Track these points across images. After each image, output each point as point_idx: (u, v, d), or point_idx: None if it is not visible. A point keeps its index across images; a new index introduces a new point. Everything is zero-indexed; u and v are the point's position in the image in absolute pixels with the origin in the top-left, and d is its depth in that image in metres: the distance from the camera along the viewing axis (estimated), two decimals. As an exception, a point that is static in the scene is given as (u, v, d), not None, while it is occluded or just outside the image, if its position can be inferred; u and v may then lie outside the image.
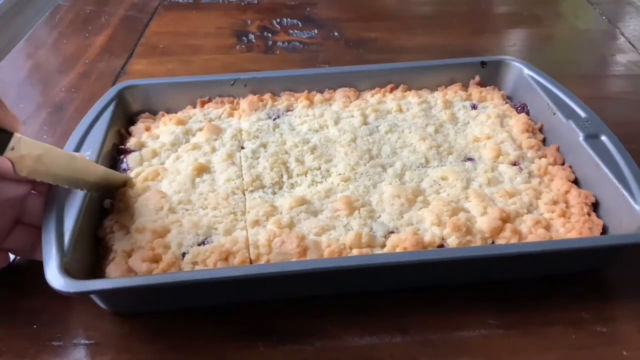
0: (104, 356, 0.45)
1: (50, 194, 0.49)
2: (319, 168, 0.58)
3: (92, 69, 0.85)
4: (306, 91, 0.69)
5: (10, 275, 0.50)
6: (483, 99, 0.69)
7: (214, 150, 0.60)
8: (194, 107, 0.68)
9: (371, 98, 0.69)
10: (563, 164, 0.59)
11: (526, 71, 0.68)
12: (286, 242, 0.48)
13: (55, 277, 0.42)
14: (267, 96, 0.68)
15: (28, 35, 0.96)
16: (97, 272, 0.48)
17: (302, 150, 0.60)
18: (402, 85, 0.70)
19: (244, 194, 0.55)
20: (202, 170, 0.57)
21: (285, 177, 0.57)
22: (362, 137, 0.62)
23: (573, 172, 0.57)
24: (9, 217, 0.47)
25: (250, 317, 0.48)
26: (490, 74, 0.71)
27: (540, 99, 0.64)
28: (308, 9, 1.05)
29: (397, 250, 0.48)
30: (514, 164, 0.59)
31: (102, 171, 0.52)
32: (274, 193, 0.55)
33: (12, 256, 0.51)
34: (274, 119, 0.65)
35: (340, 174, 0.57)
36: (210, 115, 0.66)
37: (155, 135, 0.63)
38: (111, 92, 0.64)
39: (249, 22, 1.00)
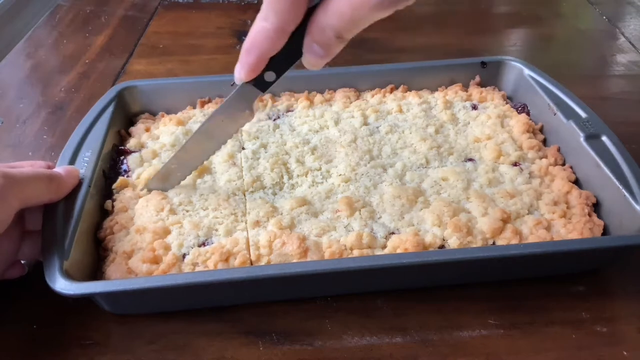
0: (104, 356, 0.45)
1: None
2: (320, 169, 0.58)
3: (92, 69, 0.85)
4: (306, 92, 0.69)
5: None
6: (483, 100, 0.69)
7: (214, 150, 0.60)
8: (194, 107, 0.68)
9: (371, 98, 0.69)
10: (564, 164, 0.59)
11: (526, 71, 0.68)
12: (287, 243, 0.48)
13: (55, 279, 0.42)
14: (267, 97, 0.68)
15: (28, 35, 0.96)
16: (97, 272, 0.49)
17: (303, 150, 0.60)
18: (402, 86, 0.70)
19: (244, 195, 0.55)
20: (203, 171, 0.57)
21: (285, 177, 0.57)
22: (362, 137, 0.62)
23: (574, 173, 0.57)
24: (16, 234, 0.48)
25: (250, 317, 0.48)
26: (490, 74, 0.71)
27: (540, 99, 0.64)
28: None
29: (398, 251, 0.48)
30: (515, 164, 0.59)
31: None
32: (275, 194, 0.55)
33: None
34: (274, 120, 0.65)
35: (340, 175, 0.57)
36: (211, 116, 0.66)
37: (155, 135, 0.63)
38: (111, 93, 0.64)
39: (249, 22, 1.00)
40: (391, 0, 0.35)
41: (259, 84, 0.45)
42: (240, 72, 0.43)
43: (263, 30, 0.39)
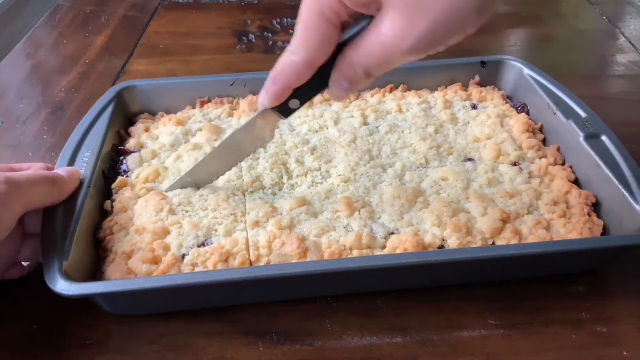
0: (104, 356, 0.45)
1: None
2: (319, 169, 0.58)
3: (92, 69, 0.85)
4: (306, 91, 0.69)
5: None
6: (483, 99, 0.69)
7: (214, 150, 0.60)
8: (193, 107, 0.68)
9: (371, 98, 0.69)
10: (563, 164, 0.59)
11: (526, 71, 0.67)
12: (286, 243, 0.48)
13: (55, 280, 0.42)
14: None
15: (28, 35, 0.96)
16: (97, 273, 0.49)
17: (302, 150, 0.60)
18: (401, 85, 0.70)
19: (244, 195, 0.55)
20: (202, 170, 0.57)
21: (285, 177, 0.57)
22: (362, 137, 0.62)
23: (573, 172, 0.57)
24: (17, 236, 0.48)
25: (250, 317, 0.48)
26: (490, 74, 0.71)
27: (540, 98, 0.64)
28: (308, 9, 1.04)
29: (398, 251, 0.48)
30: (514, 164, 0.59)
31: None
32: (274, 194, 0.55)
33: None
34: (274, 119, 0.65)
35: (340, 175, 0.57)
36: (210, 116, 0.66)
37: (154, 135, 0.63)
38: (110, 93, 0.64)
39: (249, 22, 1.00)
40: (423, 48, 0.37)
41: (283, 110, 0.46)
42: (265, 100, 0.44)
43: (291, 64, 0.40)
